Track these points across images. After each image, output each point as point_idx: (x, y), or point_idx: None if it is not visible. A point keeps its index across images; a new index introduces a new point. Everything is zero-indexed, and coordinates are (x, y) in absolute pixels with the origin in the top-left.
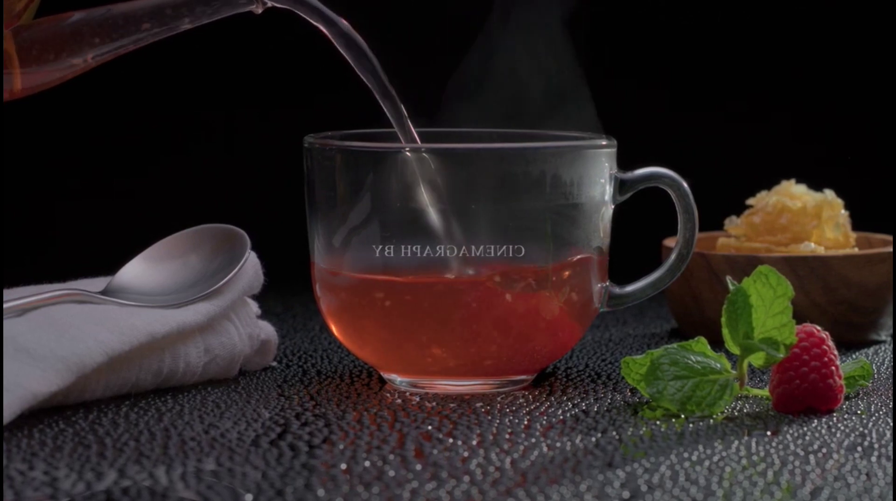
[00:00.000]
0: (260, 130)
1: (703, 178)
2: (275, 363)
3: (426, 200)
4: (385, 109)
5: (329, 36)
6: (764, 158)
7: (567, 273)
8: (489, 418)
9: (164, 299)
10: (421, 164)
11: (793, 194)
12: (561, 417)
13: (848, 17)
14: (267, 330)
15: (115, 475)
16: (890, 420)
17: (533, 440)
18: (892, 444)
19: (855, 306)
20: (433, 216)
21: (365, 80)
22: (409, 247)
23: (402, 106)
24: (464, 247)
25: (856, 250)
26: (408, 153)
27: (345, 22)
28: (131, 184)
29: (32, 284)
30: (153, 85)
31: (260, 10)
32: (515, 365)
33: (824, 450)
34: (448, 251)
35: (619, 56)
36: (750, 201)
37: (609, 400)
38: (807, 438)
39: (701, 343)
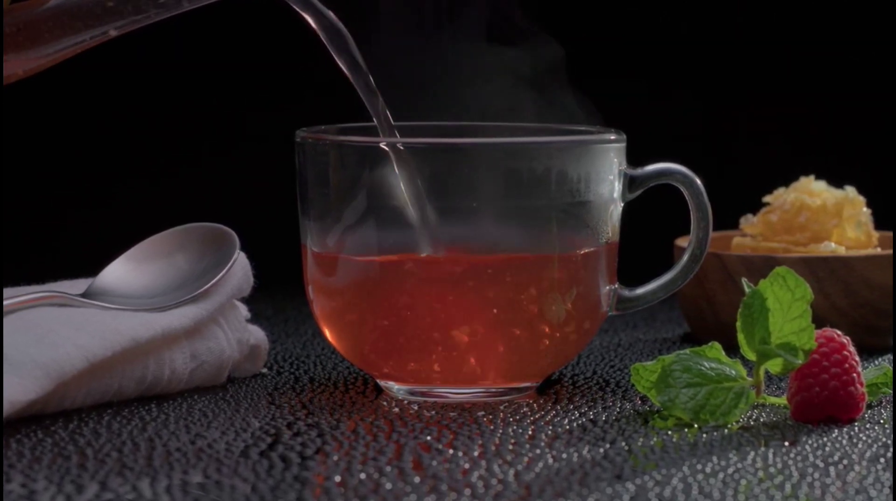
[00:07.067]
0: (250, 125)
1: (718, 174)
2: (265, 370)
3: (411, 195)
4: (365, 102)
5: (312, 25)
6: (782, 153)
7: (574, 275)
8: (491, 428)
9: (149, 302)
10: (410, 159)
11: (812, 191)
12: (567, 427)
13: (870, 8)
14: (257, 335)
15: (96, 487)
16: None
17: (538, 451)
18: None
19: (877, 310)
20: (416, 213)
21: (345, 70)
22: (407, 246)
23: (381, 99)
24: (437, 241)
25: (878, 251)
26: (401, 148)
27: (329, 13)
28: (115, 181)
29: (9, 286)
30: (138, 80)
31: None
32: (519, 372)
33: (845, 462)
34: (424, 245)
35: (631, 50)
36: (767, 199)
37: (618, 409)
38: (827, 449)
39: (715, 349)
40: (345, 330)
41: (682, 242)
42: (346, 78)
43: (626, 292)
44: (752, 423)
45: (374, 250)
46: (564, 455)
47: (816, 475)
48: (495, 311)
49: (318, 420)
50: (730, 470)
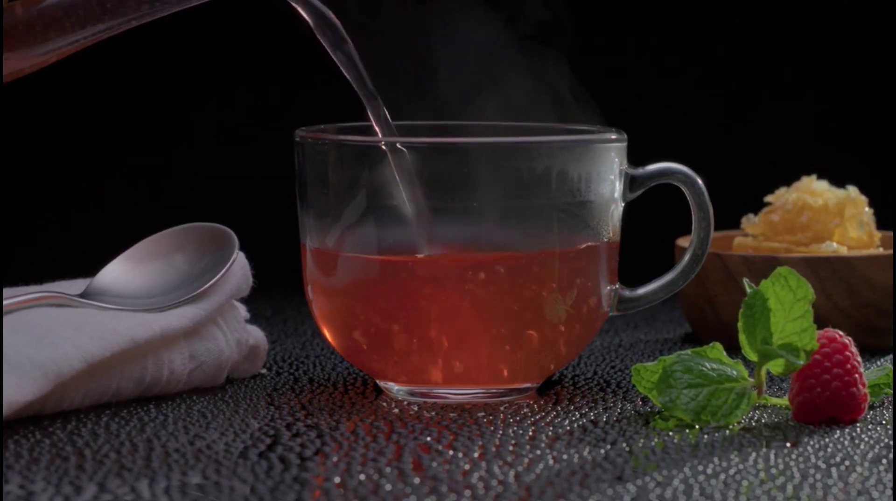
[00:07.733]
0: (248, 124)
1: (719, 174)
2: (264, 371)
3: (410, 194)
4: (363, 99)
5: (308, 22)
6: (783, 152)
7: (574, 275)
8: (492, 428)
9: (147, 302)
10: (408, 158)
11: (814, 190)
12: (568, 427)
13: (871, 6)
14: (256, 335)
15: (94, 489)
16: None
17: (538, 452)
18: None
19: (879, 310)
20: (415, 212)
21: (341, 67)
22: (406, 246)
23: (379, 97)
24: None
25: (880, 251)
26: (401, 147)
27: (323, 6)
28: (113, 181)
29: (8, 286)
30: (136, 79)
31: None
32: (519, 372)
33: (847, 463)
34: (424, 245)
35: (632, 47)
36: (768, 199)
37: (619, 410)
38: (829, 450)
39: (716, 349)
40: (344, 330)
41: (683, 242)
42: (345, 76)
43: (627, 293)
44: (753, 424)
45: (373, 250)
46: (565, 457)
47: (818, 476)
48: (495, 311)
49: (318, 421)
50: (731, 471)
